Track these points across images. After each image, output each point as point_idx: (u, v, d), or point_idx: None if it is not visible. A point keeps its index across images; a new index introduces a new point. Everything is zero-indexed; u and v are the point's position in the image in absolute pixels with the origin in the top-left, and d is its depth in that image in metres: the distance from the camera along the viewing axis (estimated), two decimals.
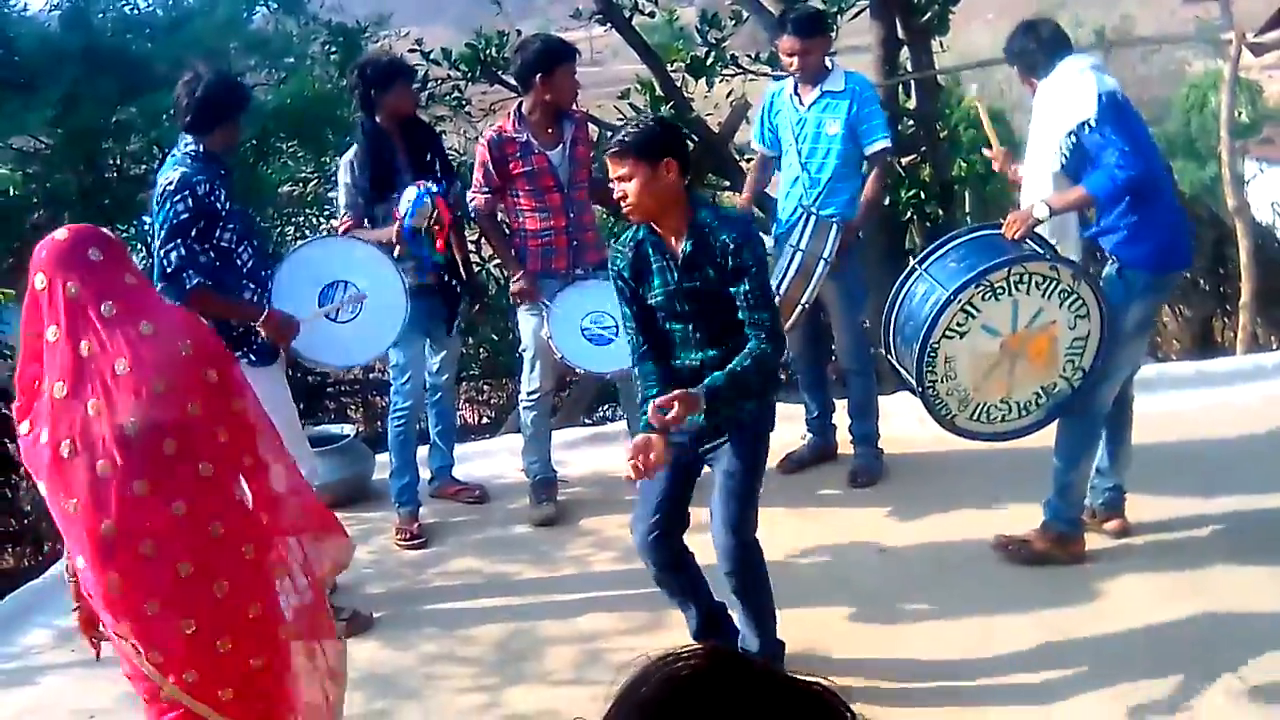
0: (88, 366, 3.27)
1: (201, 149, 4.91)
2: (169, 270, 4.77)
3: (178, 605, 3.32)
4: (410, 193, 5.42)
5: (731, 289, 4.02)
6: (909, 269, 5.01)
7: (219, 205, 4.85)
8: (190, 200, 4.78)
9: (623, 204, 4.07)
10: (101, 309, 3.29)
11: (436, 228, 5.46)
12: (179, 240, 4.77)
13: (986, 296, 4.67)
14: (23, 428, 3.37)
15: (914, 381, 4.79)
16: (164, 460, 3.31)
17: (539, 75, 5.58)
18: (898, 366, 5.03)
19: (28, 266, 3.36)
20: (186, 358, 3.36)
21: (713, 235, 4.02)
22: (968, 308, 4.66)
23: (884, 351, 5.12)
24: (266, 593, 3.50)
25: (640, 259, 4.14)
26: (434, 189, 5.45)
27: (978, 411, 4.85)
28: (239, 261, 4.94)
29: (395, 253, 5.47)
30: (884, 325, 5.04)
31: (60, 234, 3.41)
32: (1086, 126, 4.63)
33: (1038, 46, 4.87)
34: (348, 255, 5.46)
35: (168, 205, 4.79)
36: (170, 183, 4.80)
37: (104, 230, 3.57)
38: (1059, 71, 4.78)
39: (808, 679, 1.20)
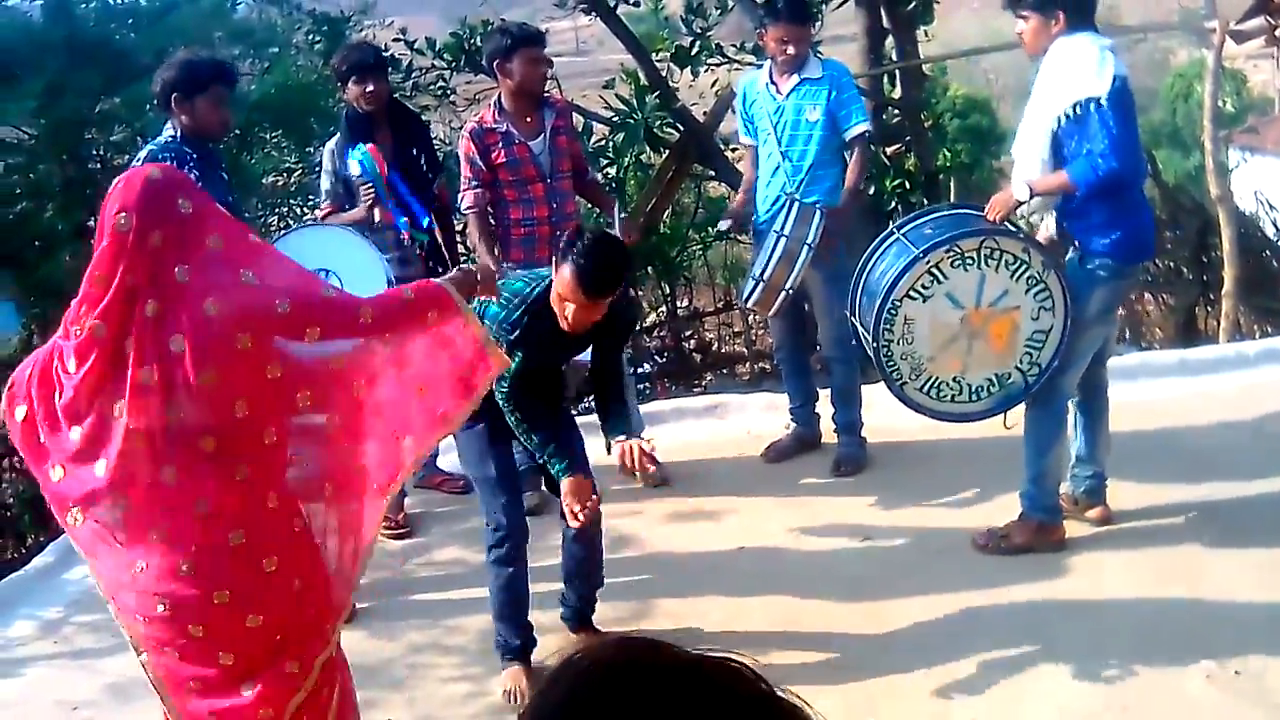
0: (146, 329, 3.10)
1: (179, 133, 4.98)
2: None
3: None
4: (356, 154, 5.53)
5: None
6: (886, 232, 5.04)
7: None
8: None
9: (574, 323, 4.20)
10: (176, 272, 3.10)
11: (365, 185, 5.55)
12: None
13: (955, 263, 4.69)
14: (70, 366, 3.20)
15: (869, 337, 4.80)
16: (201, 456, 3.17)
17: (498, 62, 5.62)
18: (857, 325, 5.05)
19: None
20: (243, 352, 3.14)
21: None
22: (934, 271, 4.68)
23: (849, 312, 5.15)
24: (269, 608, 3.35)
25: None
26: (363, 146, 5.52)
27: (929, 385, 4.87)
28: None
29: (374, 221, 5.55)
30: (853, 283, 5.08)
31: (154, 174, 3.20)
32: (1095, 104, 4.53)
33: (1090, 7, 4.71)
34: (325, 242, 5.42)
35: None
36: (138, 160, 4.89)
37: (191, 179, 3.45)
38: (1081, 40, 4.64)
39: (725, 655, 1.21)
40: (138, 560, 3.21)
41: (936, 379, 4.87)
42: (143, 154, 4.96)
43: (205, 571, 3.20)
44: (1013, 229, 4.80)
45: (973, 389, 4.90)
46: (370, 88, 5.64)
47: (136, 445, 3.14)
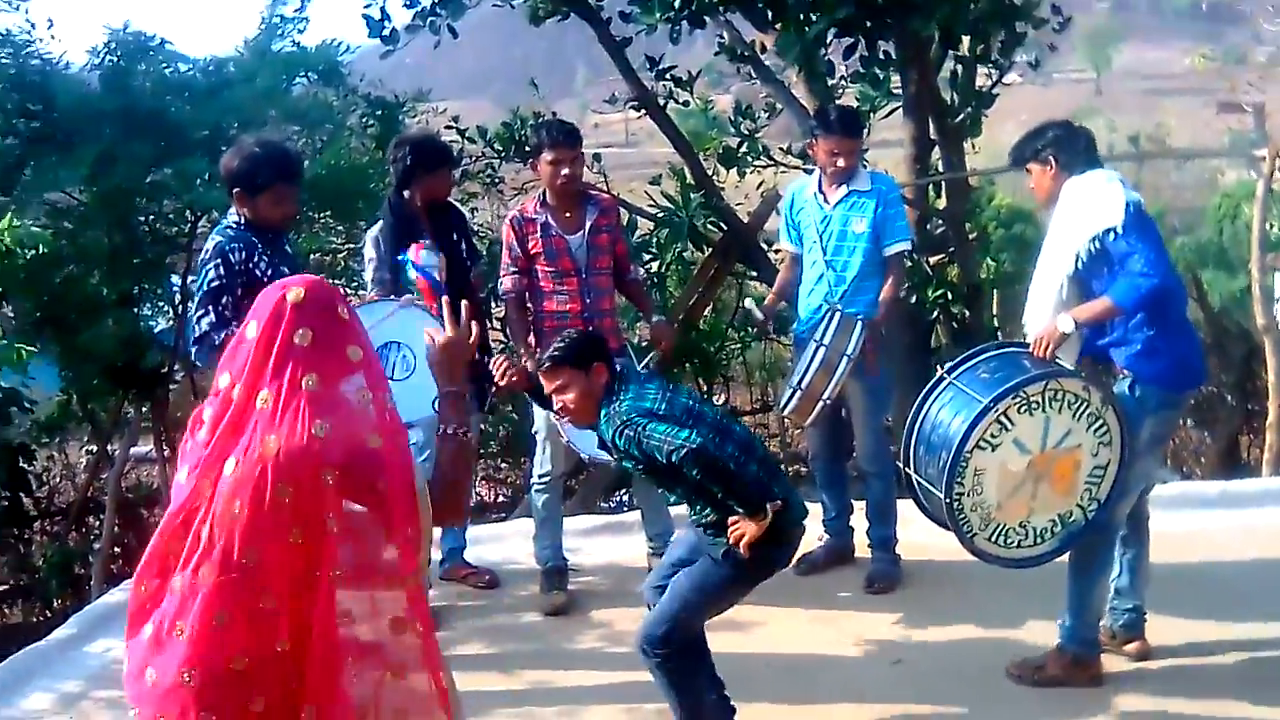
0: (245, 422, 2.92)
1: (243, 219, 5.04)
2: (198, 334, 4.95)
3: None
4: (418, 254, 5.57)
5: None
6: (936, 378, 4.94)
7: (258, 272, 4.91)
8: (223, 268, 4.95)
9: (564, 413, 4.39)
10: (304, 380, 2.94)
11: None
12: (210, 306, 4.93)
13: (1022, 409, 4.59)
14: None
15: (940, 493, 4.68)
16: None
17: (530, 160, 5.81)
18: (918, 479, 4.91)
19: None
20: (321, 489, 2.95)
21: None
22: (1003, 419, 4.58)
23: (902, 464, 5.02)
24: None
25: None
26: (433, 246, 5.59)
27: (997, 533, 4.74)
28: None
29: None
30: (905, 434, 4.95)
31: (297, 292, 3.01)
32: (1113, 234, 4.59)
33: (1085, 146, 4.86)
34: (405, 319, 5.25)
35: (202, 272, 5.02)
36: (206, 251, 5.03)
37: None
38: (1087, 179, 4.75)
39: None
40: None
41: (1005, 526, 4.75)
42: (211, 243, 5.01)
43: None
44: (1071, 368, 4.73)
45: (1038, 531, 4.78)
46: (447, 182, 5.86)
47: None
